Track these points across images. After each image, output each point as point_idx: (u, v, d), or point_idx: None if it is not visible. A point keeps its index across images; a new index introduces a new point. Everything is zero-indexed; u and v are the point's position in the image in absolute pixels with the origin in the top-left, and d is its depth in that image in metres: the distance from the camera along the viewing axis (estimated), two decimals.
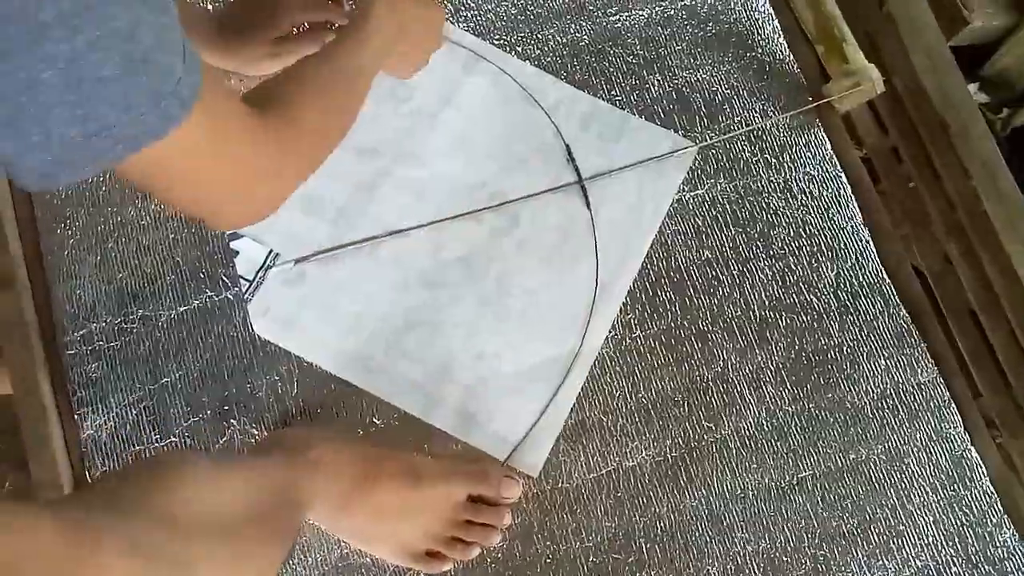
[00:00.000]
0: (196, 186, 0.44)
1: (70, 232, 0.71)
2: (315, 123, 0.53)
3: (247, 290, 0.70)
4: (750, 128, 0.75)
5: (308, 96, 0.53)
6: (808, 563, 0.67)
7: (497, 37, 0.77)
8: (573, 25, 0.78)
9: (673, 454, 0.69)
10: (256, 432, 0.68)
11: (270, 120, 0.48)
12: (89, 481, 0.66)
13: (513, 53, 0.77)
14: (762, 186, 0.75)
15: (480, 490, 0.65)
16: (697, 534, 0.67)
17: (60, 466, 0.65)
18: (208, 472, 0.50)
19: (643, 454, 0.69)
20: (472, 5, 0.78)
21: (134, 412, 0.68)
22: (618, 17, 0.78)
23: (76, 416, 0.67)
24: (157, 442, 0.67)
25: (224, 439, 0.68)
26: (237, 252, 0.71)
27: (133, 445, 0.67)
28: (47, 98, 0.32)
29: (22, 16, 0.30)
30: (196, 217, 0.48)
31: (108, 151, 0.36)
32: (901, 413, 0.70)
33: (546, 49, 0.77)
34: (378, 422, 0.69)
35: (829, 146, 0.76)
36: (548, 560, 0.66)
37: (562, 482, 0.68)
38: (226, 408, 0.68)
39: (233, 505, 0.49)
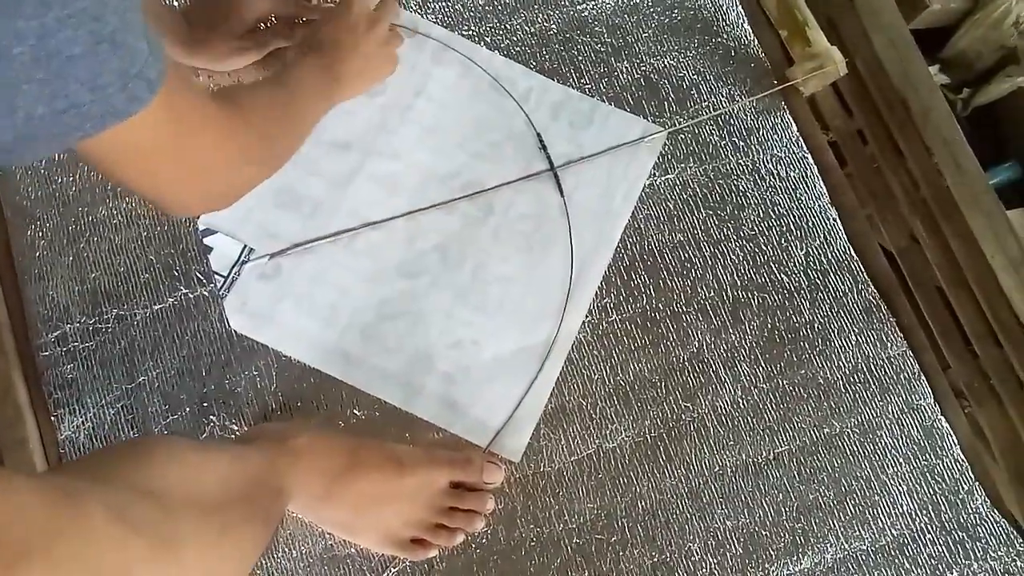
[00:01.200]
0: (155, 170, 0.45)
1: (41, 233, 0.70)
2: (271, 131, 0.56)
3: (222, 286, 0.70)
4: (718, 112, 0.76)
5: (269, 107, 0.57)
6: (787, 536, 0.68)
7: (466, 28, 0.77)
8: (541, 15, 0.78)
9: (652, 434, 0.70)
10: (236, 428, 0.68)
11: (233, 119, 0.50)
12: None
13: (482, 43, 0.77)
14: (731, 169, 0.76)
15: (462, 476, 0.65)
16: (678, 512, 0.68)
17: (38, 468, 0.65)
18: (191, 452, 0.50)
19: (623, 435, 0.70)
20: None
21: (112, 412, 0.67)
22: (585, 6, 0.79)
23: (53, 417, 0.67)
24: None
25: (204, 436, 0.67)
26: (211, 248, 0.71)
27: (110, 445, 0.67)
28: (16, 74, 0.33)
29: None
30: (150, 200, 0.49)
31: (74, 129, 0.36)
32: (872, 387, 0.72)
33: (515, 39, 0.77)
34: (359, 413, 0.69)
35: (795, 128, 0.77)
36: (532, 543, 0.67)
37: (544, 466, 0.69)
38: (205, 405, 0.68)
39: (216, 486, 0.49)
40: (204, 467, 0.50)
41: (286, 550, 0.66)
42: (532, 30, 0.78)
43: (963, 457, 0.71)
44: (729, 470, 0.70)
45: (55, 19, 0.32)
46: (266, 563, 0.66)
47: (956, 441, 0.72)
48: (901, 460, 0.71)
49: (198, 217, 0.71)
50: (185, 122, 0.44)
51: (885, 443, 0.71)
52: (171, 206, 0.50)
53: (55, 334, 0.68)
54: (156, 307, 0.69)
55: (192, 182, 0.49)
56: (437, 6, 0.78)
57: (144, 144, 0.42)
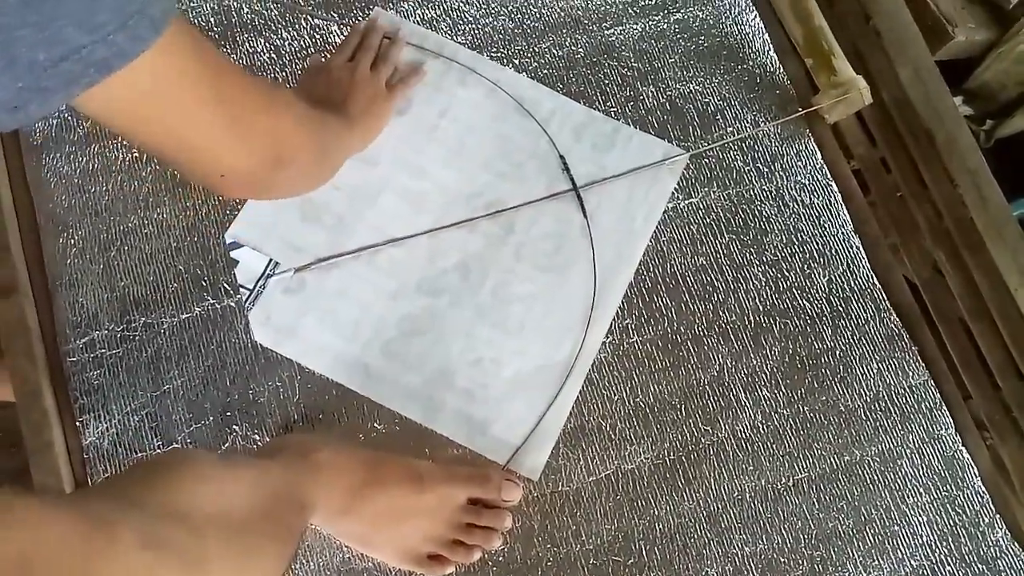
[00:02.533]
0: (184, 129, 0.42)
1: (73, 241, 0.72)
2: (308, 120, 0.56)
3: (247, 299, 0.71)
4: (741, 136, 0.77)
5: (302, 128, 0.55)
6: (805, 564, 0.68)
7: (495, 50, 0.79)
8: (569, 38, 0.79)
9: (671, 457, 0.70)
10: (258, 438, 0.68)
11: (268, 82, 0.49)
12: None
13: (510, 66, 0.78)
14: (754, 194, 0.76)
15: (481, 493, 0.65)
16: (695, 536, 0.68)
17: (62, 473, 0.65)
18: (216, 469, 0.50)
19: (641, 457, 0.70)
20: (470, 19, 0.79)
21: (136, 419, 0.68)
22: (613, 31, 0.80)
23: (78, 423, 0.68)
24: (159, 448, 0.67)
25: (226, 445, 0.68)
26: (237, 261, 0.72)
27: (135, 452, 0.67)
28: (9, 20, 0.31)
29: None
30: (190, 173, 0.46)
31: (80, 76, 0.34)
32: (894, 415, 0.72)
33: (542, 62, 0.79)
34: (379, 427, 0.69)
35: (819, 156, 0.78)
36: (549, 563, 0.67)
37: (562, 485, 0.69)
38: (228, 414, 0.69)
39: (241, 502, 0.49)
40: (230, 484, 0.50)
41: (303, 561, 0.66)
42: (560, 53, 0.79)
43: (984, 489, 0.71)
44: (748, 495, 0.69)
45: None
46: (285, 572, 0.66)
47: (977, 472, 0.71)
48: (921, 490, 0.70)
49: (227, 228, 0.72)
50: (211, 66, 0.40)
51: (905, 472, 0.71)
52: (222, 171, 0.47)
53: (83, 340, 0.69)
54: (183, 316, 0.70)
55: (237, 141, 0.45)
56: (467, 28, 0.79)
57: (167, 95, 0.39)
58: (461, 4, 0.80)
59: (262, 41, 0.77)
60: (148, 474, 0.48)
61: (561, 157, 0.75)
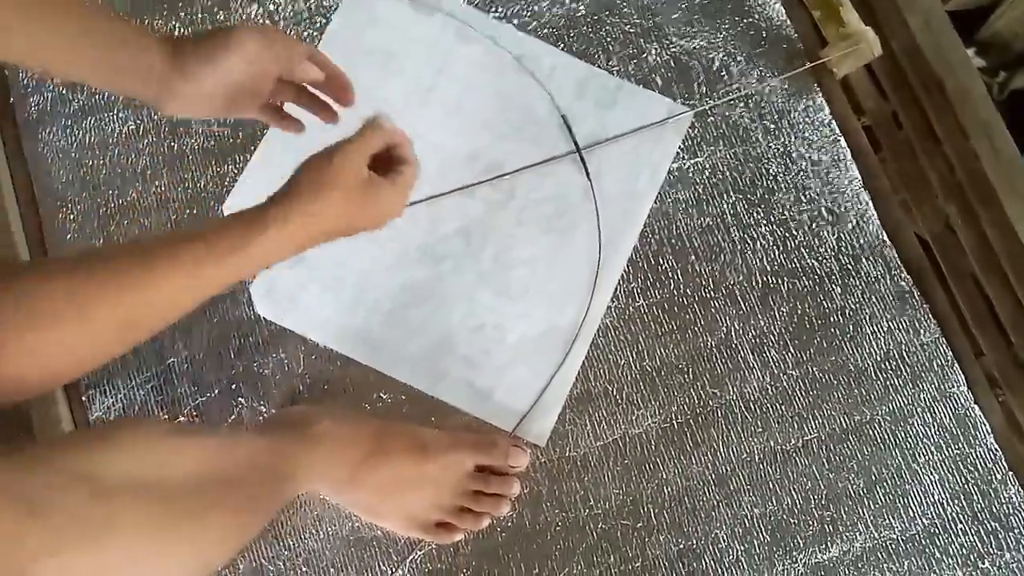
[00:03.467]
0: None
1: (72, 216, 0.71)
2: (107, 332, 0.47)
3: None
4: (745, 92, 0.75)
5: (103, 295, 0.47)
6: (815, 524, 0.68)
7: (495, 9, 0.77)
8: None
9: (679, 420, 0.69)
10: (264, 410, 0.68)
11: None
12: None
13: (511, 25, 0.76)
14: (761, 152, 0.75)
15: (488, 460, 0.65)
16: (704, 499, 0.68)
17: None
18: (161, 436, 0.49)
19: (649, 421, 0.69)
20: None
21: (142, 393, 0.68)
22: None
23: (84, 398, 0.68)
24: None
25: (232, 417, 0.68)
26: None
27: None
28: None
29: None
30: None
31: None
32: (904, 374, 0.71)
33: (543, 20, 0.77)
34: (385, 397, 0.69)
35: (828, 111, 0.76)
36: (557, 528, 0.67)
37: (569, 450, 0.68)
38: (233, 387, 0.69)
39: (184, 470, 0.48)
40: (173, 451, 0.49)
41: (313, 531, 0.66)
42: (561, 12, 0.77)
43: (996, 446, 0.70)
44: (757, 457, 0.69)
45: None
46: (293, 543, 0.66)
47: (990, 430, 0.70)
48: (933, 448, 0.70)
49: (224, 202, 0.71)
50: None
51: (917, 431, 0.70)
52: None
53: None
54: None
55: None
56: None
57: None
58: None
59: (256, 6, 0.76)
60: (68, 439, 0.47)
61: (563, 116, 0.74)
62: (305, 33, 0.75)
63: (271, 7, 0.76)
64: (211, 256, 0.48)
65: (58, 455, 0.44)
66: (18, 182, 0.72)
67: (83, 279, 0.46)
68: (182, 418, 0.68)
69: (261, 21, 0.76)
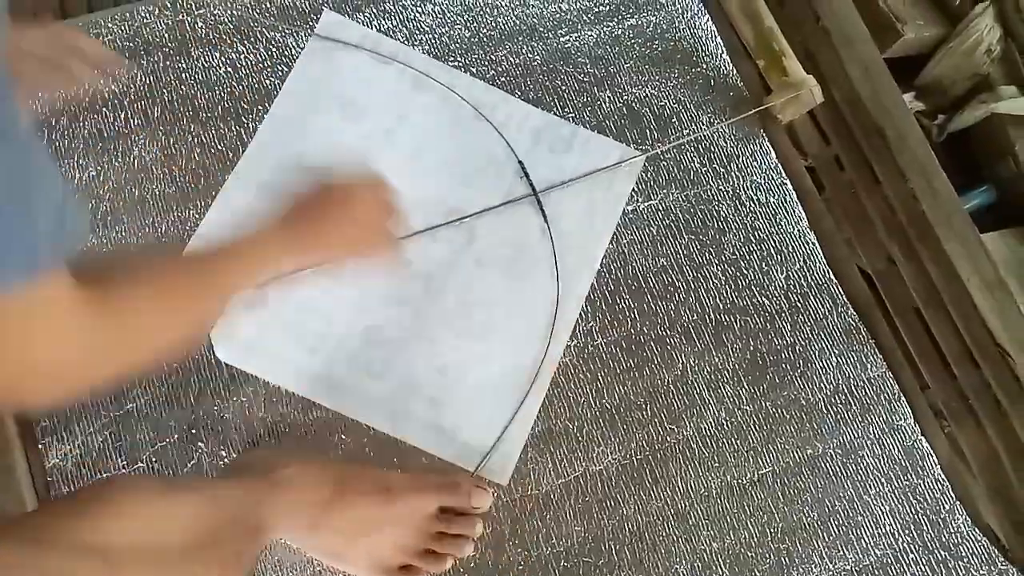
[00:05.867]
0: None
1: None
2: (150, 325, 0.47)
3: None
4: (695, 136, 0.78)
5: (153, 294, 0.47)
6: (772, 557, 0.69)
7: (452, 59, 0.79)
8: (525, 46, 0.80)
9: (638, 456, 0.71)
10: (224, 455, 0.68)
11: (99, 306, 0.41)
12: None
13: (468, 74, 0.79)
14: (712, 195, 0.77)
15: (451, 501, 0.66)
16: (664, 534, 0.69)
17: (25, 496, 0.65)
18: (152, 499, 0.49)
19: (609, 458, 0.70)
20: (427, 29, 0.80)
21: (99, 439, 0.68)
22: (568, 37, 0.81)
23: (40, 445, 0.67)
24: (124, 468, 0.67)
25: (192, 463, 0.68)
26: None
27: (99, 472, 0.67)
28: None
29: None
30: None
31: None
32: (854, 407, 0.73)
33: (500, 69, 0.79)
34: (347, 439, 0.69)
35: (774, 155, 0.79)
36: (520, 567, 0.67)
37: (531, 489, 0.69)
38: (193, 431, 0.68)
39: (183, 531, 0.49)
40: (170, 512, 0.49)
41: None
42: (517, 61, 0.80)
43: (943, 476, 0.72)
44: (715, 491, 0.70)
45: None
46: None
47: (936, 460, 0.73)
48: (883, 480, 0.72)
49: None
50: (40, 309, 0.37)
51: (867, 463, 0.72)
52: (12, 397, 0.42)
53: None
54: None
55: (36, 372, 0.40)
56: (424, 38, 0.80)
57: None
58: (418, 14, 0.80)
59: (217, 55, 0.77)
60: (74, 507, 0.47)
61: (520, 162, 0.76)
62: (267, 80, 0.77)
63: (233, 56, 0.77)
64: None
65: (70, 525, 0.44)
66: None
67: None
68: (140, 464, 0.67)
69: (223, 70, 0.77)
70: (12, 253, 0.33)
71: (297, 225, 0.60)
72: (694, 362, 0.73)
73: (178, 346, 0.50)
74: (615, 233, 0.75)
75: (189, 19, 0.78)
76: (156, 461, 0.67)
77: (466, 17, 0.81)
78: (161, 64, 0.77)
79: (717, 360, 0.73)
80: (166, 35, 0.78)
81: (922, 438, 0.73)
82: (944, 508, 0.71)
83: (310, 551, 0.66)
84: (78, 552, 0.43)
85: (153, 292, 0.47)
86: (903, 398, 0.74)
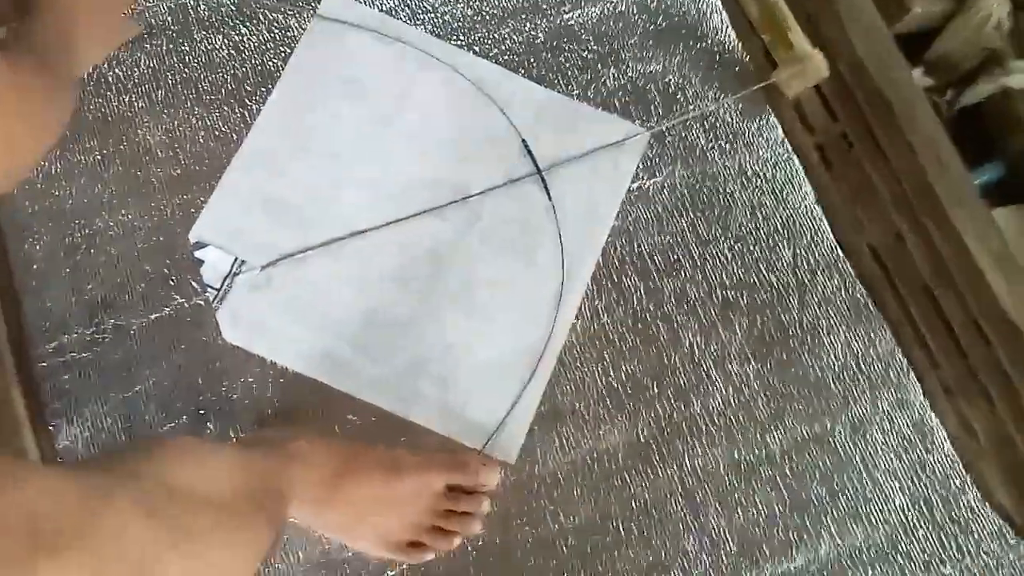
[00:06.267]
0: None
1: (38, 246, 0.71)
2: None
3: (215, 298, 0.71)
4: (700, 113, 0.78)
5: None
6: (780, 534, 0.69)
7: (455, 38, 0.79)
8: (528, 23, 0.80)
9: (645, 435, 0.70)
10: (233, 435, 0.68)
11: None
12: None
13: (471, 52, 0.78)
14: (718, 171, 0.77)
15: (458, 479, 0.66)
16: (672, 512, 0.69)
17: None
18: (204, 452, 0.52)
19: (616, 436, 0.70)
20: (428, 7, 0.79)
21: (109, 421, 0.68)
22: (571, 14, 0.80)
23: (51, 427, 0.68)
24: None
25: None
26: (203, 261, 0.71)
27: None
28: None
29: None
30: None
31: None
32: (862, 384, 0.73)
33: (503, 48, 0.79)
34: (354, 419, 0.69)
35: (780, 130, 0.79)
36: (528, 545, 0.68)
37: (538, 468, 0.69)
38: (202, 412, 0.69)
39: (228, 485, 0.50)
40: (218, 465, 0.51)
41: (283, 555, 0.66)
42: (520, 39, 0.79)
43: (953, 452, 0.72)
44: (722, 469, 0.70)
45: None
46: (261, 567, 0.66)
47: (946, 436, 0.72)
48: (892, 456, 0.71)
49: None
50: None
51: (876, 440, 0.72)
52: None
53: (52, 345, 0.69)
54: (152, 316, 0.70)
55: None
56: (426, 17, 0.79)
57: None
58: None
59: (220, 38, 0.77)
60: (143, 450, 0.49)
61: (523, 140, 0.75)
62: (270, 62, 0.77)
63: (236, 38, 0.77)
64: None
65: (135, 466, 0.46)
66: None
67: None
68: None
69: (226, 52, 0.77)
70: None
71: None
72: (701, 339, 0.73)
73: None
74: (620, 211, 0.75)
75: (191, 2, 0.78)
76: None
77: None
78: (164, 47, 0.77)
79: (724, 337, 0.73)
80: (169, 18, 0.78)
81: (931, 414, 0.73)
82: (954, 484, 0.71)
83: (318, 527, 0.66)
84: (157, 487, 0.44)
85: None
86: (912, 374, 0.73)
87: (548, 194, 0.74)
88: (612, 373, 0.72)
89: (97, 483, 0.40)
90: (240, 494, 0.51)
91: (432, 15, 0.79)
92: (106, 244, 0.72)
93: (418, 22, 0.79)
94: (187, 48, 0.77)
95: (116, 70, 0.76)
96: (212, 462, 0.51)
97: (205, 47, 0.77)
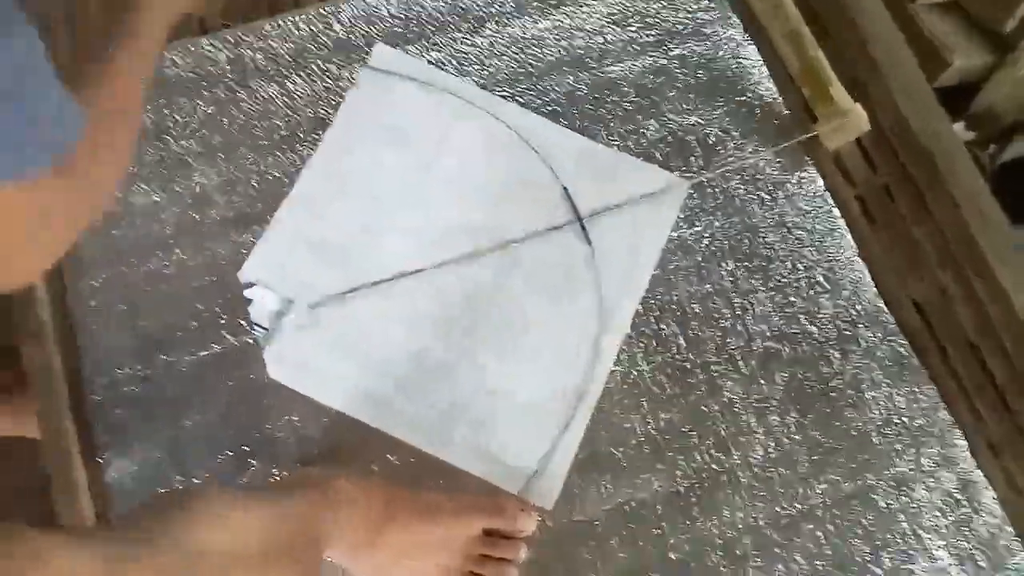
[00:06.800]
0: None
1: (96, 283, 0.74)
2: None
3: (262, 337, 0.72)
4: (741, 164, 0.79)
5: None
6: None
7: (499, 89, 0.81)
8: (571, 76, 0.82)
9: (684, 485, 0.70)
10: (276, 472, 0.70)
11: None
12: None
13: (515, 103, 0.80)
14: (758, 222, 0.77)
15: (495, 524, 0.66)
16: (711, 564, 0.68)
17: (84, 510, 0.67)
18: (235, 504, 0.51)
19: (655, 485, 0.70)
20: (475, 60, 0.82)
21: (157, 455, 0.70)
22: (614, 67, 0.82)
23: (100, 460, 0.69)
24: (179, 484, 0.69)
25: (245, 480, 0.69)
26: (251, 300, 0.73)
27: (156, 487, 0.69)
28: None
29: None
30: None
31: None
32: (906, 439, 0.72)
33: (546, 99, 0.81)
34: (394, 459, 0.70)
35: (821, 183, 0.79)
36: None
37: (576, 515, 0.69)
38: (246, 449, 0.70)
39: (259, 540, 0.50)
40: (248, 519, 0.51)
41: None
42: (562, 91, 0.81)
43: (1000, 511, 0.70)
44: (762, 522, 0.69)
45: None
46: None
47: (993, 495, 0.71)
48: (936, 514, 0.70)
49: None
50: None
51: (920, 496, 0.70)
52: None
53: (106, 380, 0.71)
54: (202, 354, 0.72)
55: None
56: (472, 68, 0.82)
57: None
58: (466, 46, 0.82)
59: (275, 87, 0.80)
60: (164, 511, 0.49)
61: (564, 188, 0.77)
62: (321, 111, 0.79)
63: (290, 87, 0.80)
64: None
65: (159, 529, 0.46)
66: None
67: None
68: (195, 480, 0.69)
69: (281, 100, 0.80)
70: (4, 151, 0.35)
71: None
72: (741, 390, 0.73)
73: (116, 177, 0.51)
74: (661, 259, 0.76)
75: (249, 52, 0.81)
76: (210, 478, 0.69)
77: (513, 49, 0.83)
78: (222, 95, 0.80)
79: (765, 388, 0.73)
80: (227, 67, 0.81)
81: (977, 471, 0.71)
82: (1000, 544, 0.69)
83: (353, 569, 0.66)
84: (184, 553, 0.45)
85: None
86: (957, 430, 0.72)
87: (588, 241, 0.75)
88: (651, 421, 0.72)
89: (120, 552, 0.40)
90: (273, 548, 0.51)
91: (477, 66, 0.82)
92: (161, 283, 0.74)
93: (464, 73, 0.81)
94: (244, 96, 0.80)
95: (176, 115, 0.79)
96: (240, 518, 0.51)
97: (261, 96, 0.80)
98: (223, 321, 0.73)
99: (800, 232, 0.77)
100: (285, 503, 0.58)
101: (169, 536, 0.46)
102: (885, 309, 0.75)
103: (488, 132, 0.79)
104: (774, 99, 0.82)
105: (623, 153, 0.79)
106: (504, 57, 0.82)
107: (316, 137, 0.79)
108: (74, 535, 0.41)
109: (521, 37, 0.83)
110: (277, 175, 0.78)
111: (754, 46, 0.83)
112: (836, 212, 0.78)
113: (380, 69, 0.81)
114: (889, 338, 0.74)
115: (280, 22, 0.83)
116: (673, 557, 0.68)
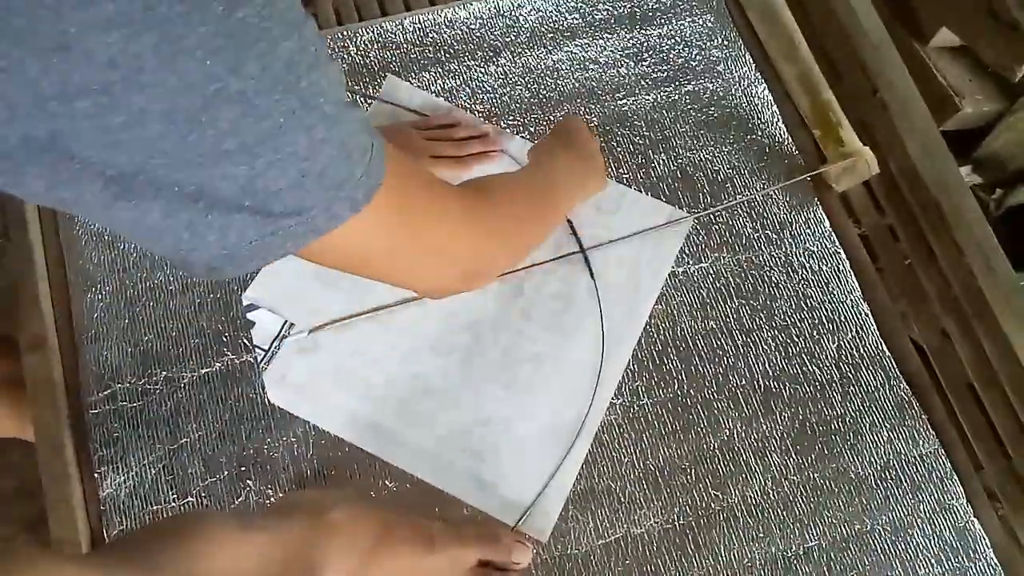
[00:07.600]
0: (385, 264, 0.45)
1: (100, 296, 0.74)
2: (522, 216, 0.58)
3: (262, 359, 0.72)
4: (747, 199, 0.79)
5: (524, 192, 0.60)
6: None
7: (511, 118, 0.81)
8: (583, 108, 0.82)
9: (681, 522, 0.70)
10: (272, 493, 0.69)
11: (477, 205, 0.51)
12: (106, 540, 0.68)
13: (526, 133, 0.81)
14: (764, 260, 0.78)
15: (491, 555, 0.66)
16: None
17: (79, 525, 0.67)
18: (229, 532, 0.51)
19: (651, 521, 0.70)
20: (489, 89, 0.83)
21: (153, 472, 0.69)
22: (626, 101, 0.83)
23: (96, 474, 0.69)
24: (174, 502, 0.69)
25: (240, 499, 0.69)
26: (253, 323, 0.74)
27: (151, 504, 0.68)
28: (225, 207, 0.34)
29: (206, 144, 0.31)
30: (400, 285, 0.49)
31: (276, 248, 0.37)
32: (904, 484, 0.72)
33: None
34: (391, 485, 0.70)
35: (828, 224, 0.79)
36: None
37: (571, 548, 0.69)
38: (243, 469, 0.70)
39: (256, 564, 0.50)
40: (242, 547, 0.51)
41: None
42: None
43: (996, 560, 0.70)
44: (758, 562, 0.69)
45: (265, 164, 0.33)
46: None
47: (989, 544, 0.70)
48: (933, 561, 0.70)
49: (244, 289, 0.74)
50: (411, 217, 0.43)
51: (917, 542, 0.70)
52: (422, 292, 0.52)
53: (105, 393, 0.71)
54: (203, 371, 0.72)
55: (434, 268, 0.49)
56: (485, 97, 0.82)
57: (361, 246, 0.42)
58: (480, 74, 0.83)
59: None
60: (162, 537, 0.49)
61: (567, 219, 0.77)
62: None
63: None
64: None
65: (155, 554, 0.46)
66: (52, 263, 0.75)
67: None
68: (190, 498, 0.69)
69: None
70: (355, 189, 0.37)
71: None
72: (741, 428, 0.72)
73: (539, 239, 0.64)
74: (664, 294, 0.76)
75: None
76: (206, 496, 0.69)
77: (527, 79, 0.83)
78: None
79: (765, 427, 0.72)
80: None
81: (975, 519, 0.71)
82: None
83: None
84: None
85: (524, 189, 0.61)
86: (956, 477, 0.72)
87: (591, 272, 0.76)
88: (650, 456, 0.71)
89: None
90: (269, 574, 0.51)
91: (491, 95, 0.82)
92: (165, 298, 0.74)
93: (478, 102, 0.82)
94: None
95: None
96: (236, 544, 0.51)
97: None
98: (225, 339, 0.73)
99: (805, 271, 0.78)
100: (281, 529, 0.58)
101: (167, 562, 0.46)
102: (887, 352, 0.75)
103: (496, 165, 0.80)
104: (784, 138, 0.82)
105: (629, 188, 0.79)
106: (517, 87, 0.83)
107: None
108: (73, 560, 0.41)
109: (535, 67, 0.84)
110: None
111: (766, 85, 0.84)
112: (842, 253, 0.78)
113: (390, 102, 0.82)
114: (891, 381, 0.74)
115: None
116: None
